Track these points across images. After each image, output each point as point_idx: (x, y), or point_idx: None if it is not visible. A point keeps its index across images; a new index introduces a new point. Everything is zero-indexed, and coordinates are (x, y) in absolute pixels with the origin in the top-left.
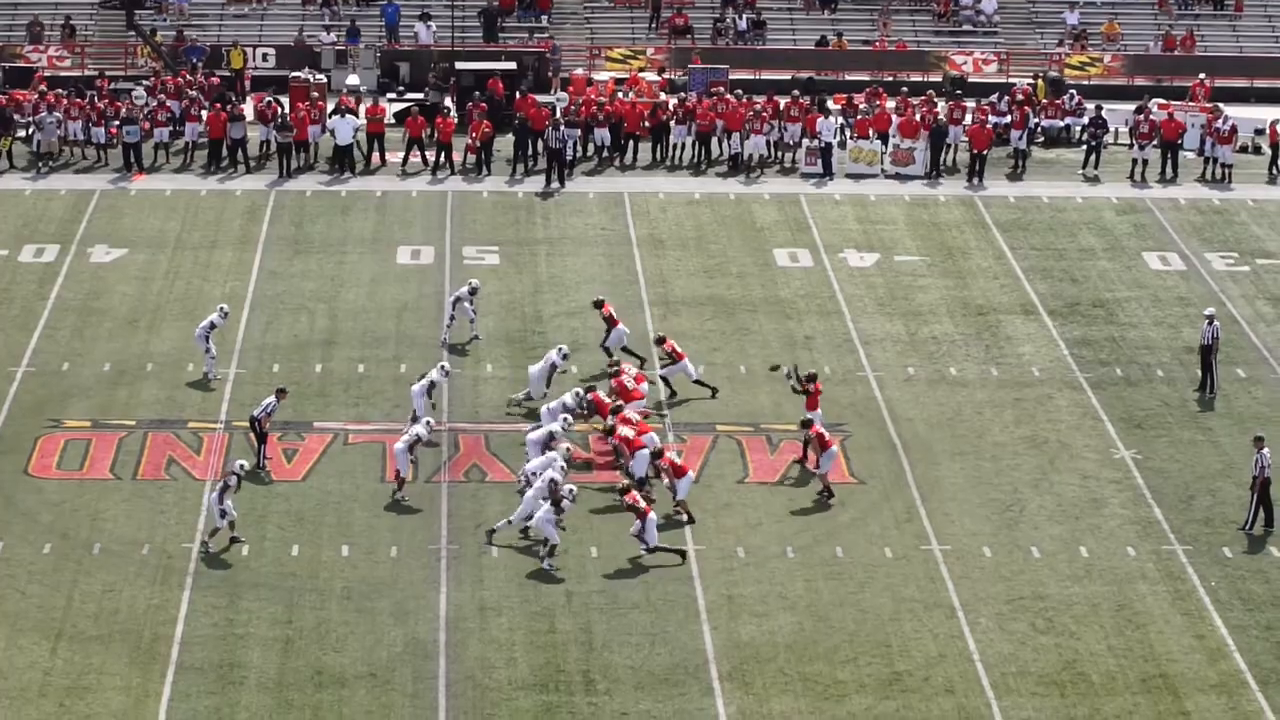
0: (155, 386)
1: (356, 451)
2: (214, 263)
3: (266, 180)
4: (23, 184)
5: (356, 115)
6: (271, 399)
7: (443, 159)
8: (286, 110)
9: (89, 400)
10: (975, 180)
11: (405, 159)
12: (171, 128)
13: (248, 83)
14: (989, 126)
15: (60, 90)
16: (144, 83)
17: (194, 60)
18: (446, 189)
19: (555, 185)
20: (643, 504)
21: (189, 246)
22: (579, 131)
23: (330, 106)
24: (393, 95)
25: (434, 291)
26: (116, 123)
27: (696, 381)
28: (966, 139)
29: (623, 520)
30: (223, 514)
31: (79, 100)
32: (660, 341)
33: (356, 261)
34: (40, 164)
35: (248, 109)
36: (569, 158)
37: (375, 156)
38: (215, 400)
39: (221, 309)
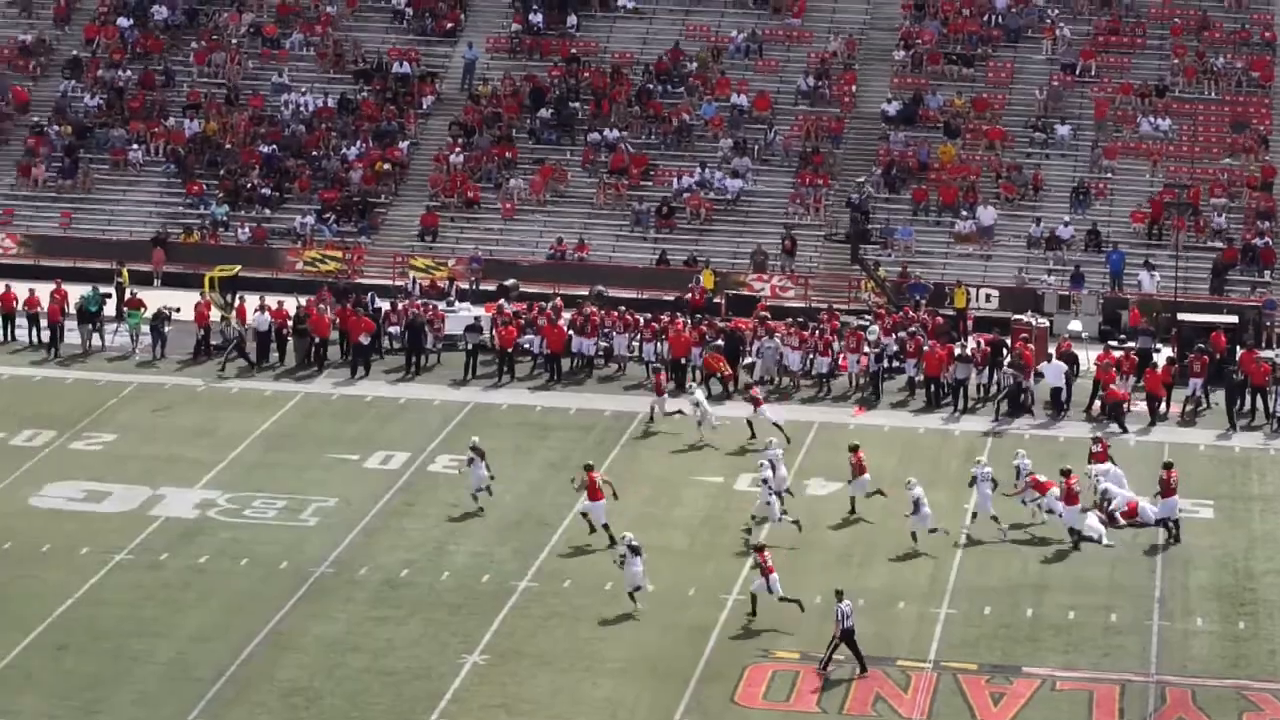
0: (866, 622)
1: (1063, 699)
2: (930, 503)
3: (985, 421)
4: (740, 412)
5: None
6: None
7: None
8: (1005, 352)
9: (799, 633)
10: None
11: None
12: (889, 363)
13: (970, 322)
14: None
15: (786, 320)
16: (866, 317)
17: (917, 297)
18: (1162, 440)
19: (1273, 442)
20: (769, 564)
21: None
22: None
23: (1051, 351)
24: (1113, 343)
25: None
26: (842, 355)
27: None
28: None
29: None
30: None
31: (801, 330)
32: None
33: None
34: None
35: (969, 348)
36: None
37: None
38: (925, 639)
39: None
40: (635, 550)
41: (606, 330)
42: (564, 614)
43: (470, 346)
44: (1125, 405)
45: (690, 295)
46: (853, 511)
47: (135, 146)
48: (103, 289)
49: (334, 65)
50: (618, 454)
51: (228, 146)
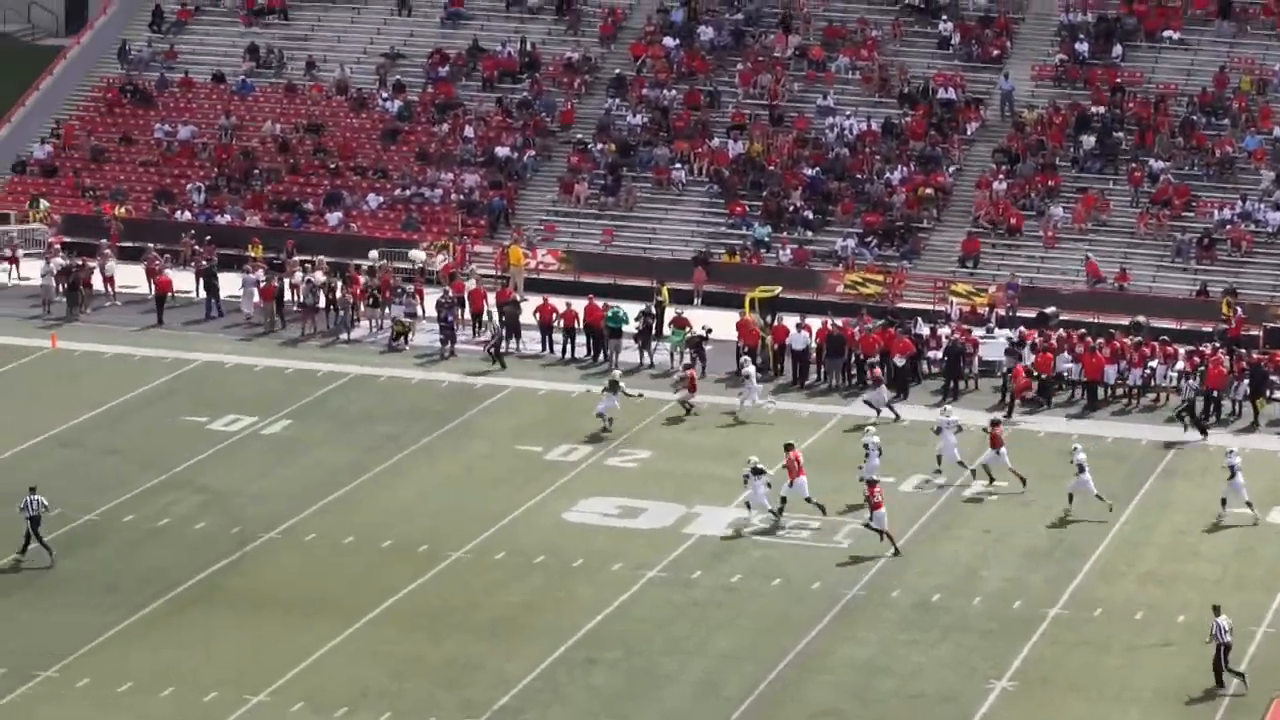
0: None
1: None
2: None
3: None
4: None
5: None
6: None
7: None
8: None
9: None
10: None
11: None
12: None
13: None
14: None
15: None
16: None
17: None
18: None
19: None
20: (878, 498)
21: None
22: None
23: None
24: None
25: None
26: None
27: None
28: None
29: None
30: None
31: None
32: None
33: None
34: None
35: None
36: None
37: None
38: None
39: None
40: (759, 472)
41: (1149, 360)
42: (1094, 642)
43: (1006, 371)
44: None
45: (1228, 326)
46: (988, 480)
47: (679, 166)
48: (644, 307)
49: (879, 89)
50: (1151, 484)
51: (771, 168)
